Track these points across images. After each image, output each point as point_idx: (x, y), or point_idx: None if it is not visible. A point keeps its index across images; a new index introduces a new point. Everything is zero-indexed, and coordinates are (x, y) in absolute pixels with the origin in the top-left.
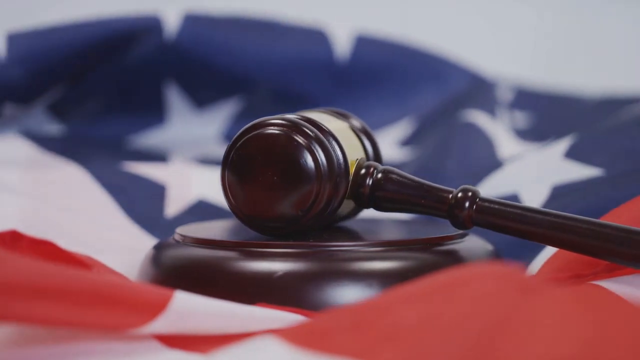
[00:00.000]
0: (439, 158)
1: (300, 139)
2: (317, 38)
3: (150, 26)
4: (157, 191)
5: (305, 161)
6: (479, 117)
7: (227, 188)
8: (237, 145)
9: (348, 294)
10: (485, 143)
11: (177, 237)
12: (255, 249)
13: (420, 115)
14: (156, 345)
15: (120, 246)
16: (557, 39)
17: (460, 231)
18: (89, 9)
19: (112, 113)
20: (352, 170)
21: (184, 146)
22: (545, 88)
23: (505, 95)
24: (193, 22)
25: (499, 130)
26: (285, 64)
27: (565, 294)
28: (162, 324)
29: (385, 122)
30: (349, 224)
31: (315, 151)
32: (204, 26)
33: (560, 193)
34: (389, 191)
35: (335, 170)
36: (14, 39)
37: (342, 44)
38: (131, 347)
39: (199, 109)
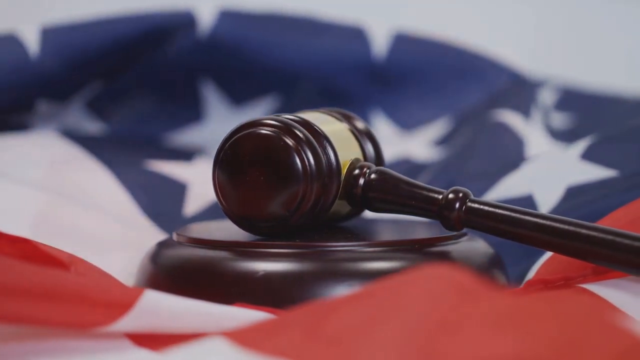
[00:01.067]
0: (463, 158)
1: (287, 139)
2: (355, 36)
3: (183, 22)
4: (178, 190)
5: (292, 161)
6: (510, 117)
7: (217, 187)
8: (227, 144)
9: (342, 294)
10: (514, 143)
11: (175, 237)
12: (250, 249)
13: (458, 115)
14: (126, 343)
15: (133, 244)
16: (602, 40)
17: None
18: (121, 3)
19: (149, 110)
20: (344, 170)
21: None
22: (591, 89)
23: (547, 95)
24: (228, 18)
25: (532, 130)
26: (322, 61)
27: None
28: (128, 323)
29: (421, 120)
30: (350, 224)
31: (301, 151)
32: (240, 23)
33: (573, 194)
34: (380, 192)
35: (324, 171)
36: (48, 34)
37: (380, 42)
38: (100, 345)
39: (237, 106)
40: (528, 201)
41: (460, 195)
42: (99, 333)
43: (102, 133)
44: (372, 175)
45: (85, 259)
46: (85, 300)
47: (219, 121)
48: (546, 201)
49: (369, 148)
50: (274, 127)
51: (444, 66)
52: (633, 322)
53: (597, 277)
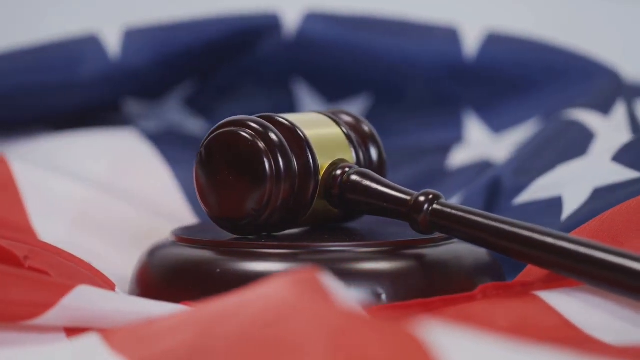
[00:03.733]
0: (520, 155)
1: (252, 138)
2: (446, 36)
3: (269, 24)
4: None
5: (257, 160)
6: (584, 115)
7: (195, 183)
8: (204, 142)
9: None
10: (581, 142)
11: (171, 236)
12: (242, 250)
13: (549, 116)
14: (60, 336)
15: None
16: None
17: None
18: (204, 5)
19: (246, 108)
20: (322, 172)
21: None
22: None
23: None
24: (315, 20)
25: (608, 129)
26: (413, 61)
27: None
28: (53, 317)
29: (512, 122)
30: (351, 225)
31: (267, 151)
32: (329, 24)
33: (599, 195)
34: (355, 193)
35: (293, 171)
36: (132, 35)
37: (471, 42)
38: (37, 337)
39: (331, 105)
40: (556, 203)
41: (430, 197)
42: (37, 326)
43: (202, 130)
44: (351, 177)
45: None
46: (13, 294)
47: None
48: (573, 202)
49: (370, 152)
50: (237, 126)
51: (540, 66)
52: None
53: (549, 284)
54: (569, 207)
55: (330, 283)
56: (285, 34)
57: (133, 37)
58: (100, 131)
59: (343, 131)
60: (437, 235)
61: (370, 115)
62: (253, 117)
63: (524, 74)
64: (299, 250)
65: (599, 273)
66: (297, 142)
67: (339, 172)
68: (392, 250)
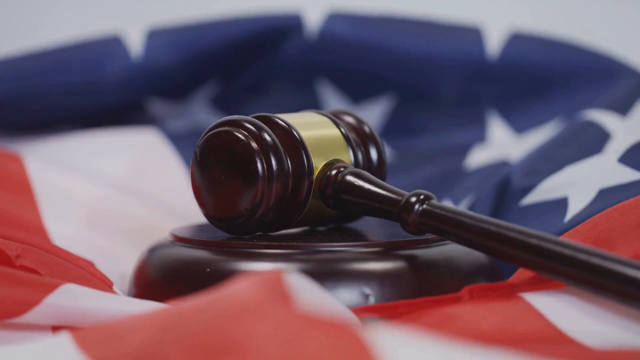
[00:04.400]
0: (535, 154)
1: (245, 138)
2: (470, 36)
3: (292, 24)
4: None
5: (250, 160)
6: (601, 116)
7: (191, 183)
8: (199, 142)
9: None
10: (597, 143)
11: (169, 236)
12: (235, 249)
13: (571, 117)
14: (46, 334)
15: None
16: None
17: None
18: (226, 5)
19: (273, 107)
20: (316, 171)
21: None
22: None
23: None
24: (339, 20)
25: (624, 130)
26: (437, 61)
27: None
28: (37, 315)
29: (534, 122)
30: (351, 225)
31: (259, 151)
32: (352, 24)
33: (604, 196)
34: (348, 193)
35: (285, 171)
36: (155, 36)
37: (494, 42)
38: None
39: (356, 104)
40: (562, 204)
41: (421, 197)
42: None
43: None
44: (345, 177)
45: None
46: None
47: None
48: (578, 204)
49: (370, 153)
50: (232, 126)
51: (564, 66)
52: None
53: (540, 285)
54: (574, 208)
55: (295, 286)
56: (308, 33)
57: (156, 37)
58: (121, 130)
59: (341, 132)
60: (430, 236)
61: (394, 115)
62: (248, 118)
63: (548, 73)
64: (288, 251)
65: (582, 275)
66: (292, 143)
67: (333, 172)
68: (383, 251)
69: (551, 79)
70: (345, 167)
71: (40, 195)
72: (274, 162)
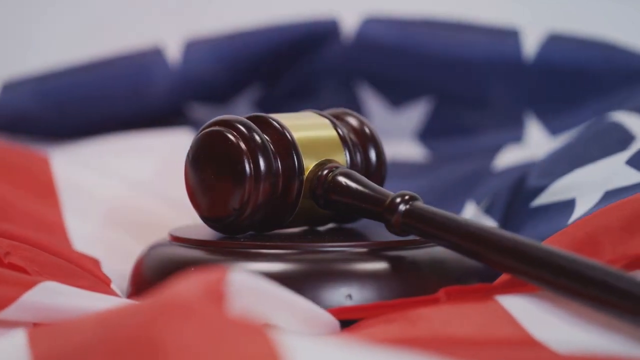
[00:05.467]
0: (556, 155)
1: (234, 138)
2: (507, 37)
3: (328, 29)
4: None
5: (238, 160)
6: (626, 117)
7: (185, 180)
8: (193, 142)
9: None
10: (619, 144)
11: (168, 236)
12: (228, 249)
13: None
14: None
15: None
16: None
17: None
18: (263, 13)
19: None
20: (306, 172)
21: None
22: None
23: None
24: (374, 24)
25: None
26: (475, 63)
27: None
28: (13, 312)
29: (570, 124)
30: (354, 225)
31: (247, 151)
32: (387, 28)
33: (608, 198)
34: (337, 193)
35: (273, 171)
36: (194, 45)
37: (531, 43)
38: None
39: (395, 107)
40: (569, 205)
41: (406, 198)
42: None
43: None
44: (336, 177)
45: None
46: None
47: (381, 121)
48: (584, 205)
49: (369, 154)
50: (222, 125)
51: (602, 66)
52: None
53: (515, 289)
54: (580, 210)
55: (236, 286)
56: (345, 38)
57: (195, 46)
58: (152, 132)
59: (338, 133)
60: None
61: (432, 117)
62: (240, 118)
63: (584, 74)
64: (275, 251)
65: (554, 279)
66: (283, 143)
67: (324, 172)
68: (369, 252)
69: (587, 80)
70: (336, 168)
71: (63, 194)
72: (261, 163)
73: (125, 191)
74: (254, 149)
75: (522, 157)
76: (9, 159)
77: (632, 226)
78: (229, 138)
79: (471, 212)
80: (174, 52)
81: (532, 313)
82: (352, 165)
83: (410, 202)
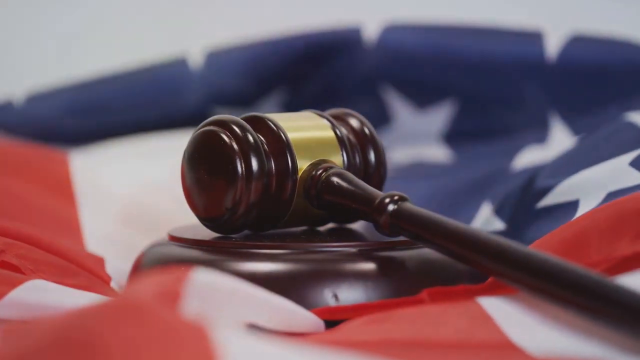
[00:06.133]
0: (569, 155)
1: (227, 138)
2: (530, 39)
3: (352, 37)
4: None
5: (230, 160)
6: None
7: (181, 180)
8: (189, 141)
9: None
10: (632, 144)
11: (166, 236)
12: (223, 248)
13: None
14: None
15: None
16: None
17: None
18: (285, 21)
19: None
20: (300, 172)
21: (407, 146)
22: None
23: None
24: (397, 29)
25: None
26: (498, 66)
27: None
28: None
29: (594, 125)
30: (354, 225)
31: (239, 151)
32: (409, 33)
33: (609, 200)
34: (330, 193)
35: (265, 171)
36: (219, 54)
37: (555, 45)
38: None
39: (421, 110)
40: (573, 207)
41: (395, 198)
42: None
43: None
44: (329, 178)
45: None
46: None
47: (407, 124)
48: (587, 207)
49: (368, 155)
50: (215, 125)
51: (626, 67)
52: None
53: (497, 290)
54: (583, 212)
55: (193, 287)
56: (368, 44)
57: (221, 53)
58: (172, 133)
59: (336, 133)
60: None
61: (458, 119)
62: (234, 118)
63: (609, 74)
64: (264, 251)
65: (532, 282)
66: (278, 143)
67: (318, 172)
68: (358, 253)
69: (611, 80)
70: (330, 168)
71: (80, 192)
72: (254, 163)
73: (142, 191)
74: (247, 149)
75: (541, 158)
76: (27, 158)
77: (618, 227)
78: (222, 138)
79: (485, 213)
80: (198, 59)
81: (511, 315)
82: (349, 166)
83: (399, 203)
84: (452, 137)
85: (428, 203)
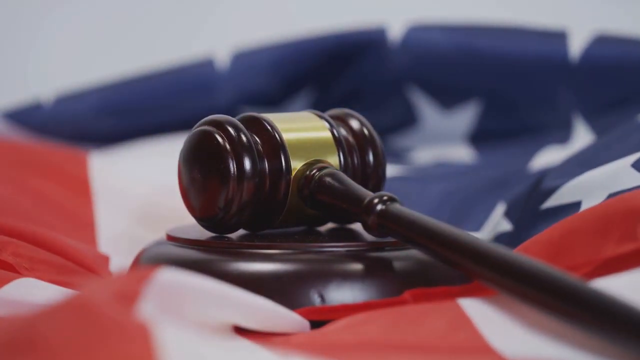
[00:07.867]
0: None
1: (220, 138)
2: (555, 40)
3: (377, 37)
4: None
5: (222, 160)
6: None
7: (178, 180)
8: (185, 141)
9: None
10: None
11: (165, 236)
12: (219, 248)
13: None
14: None
15: None
16: None
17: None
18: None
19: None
20: (293, 172)
21: (432, 147)
22: None
23: None
24: (422, 31)
25: None
26: (522, 66)
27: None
28: None
29: (615, 124)
30: (353, 225)
31: (231, 151)
32: (435, 34)
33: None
34: (322, 193)
35: (258, 171)
36: (245, 55)
37: (579, 46)
38: None
39: (447, 110)
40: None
41: (384, 199)
42: None
43: None
44: (322, 178)
45: None
46: None
47: (432, 124)
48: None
49: (367, 155)
50: (209, 125)
51: None
52: None
53: (478, 292)
54: None
55: (155, 286)
56: (393, 44)
57: (248, 54)
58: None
59: (333, 134)
60: None
61: (482, 119)
62: (229, 118)
63: (632, 74)
64: (253, 251)
65: (511, 284)
66: (272, 143)
67: (311, 172)
68: (347, 253)
69: (634, 80)
70: (324, 168)
71: (96, 192)
72: (246, 163)
73: (159, 191)
74: (239, 150)
75: (558, 158)
76: (46, 157)
77: (603, 229)
78: (215, 138)
79: (498, 214)
80: (225, 60)
81: (490, 317)
82: (346, 166)
83: (387, 203)
84: (477, 137)
85: (446, 202)
